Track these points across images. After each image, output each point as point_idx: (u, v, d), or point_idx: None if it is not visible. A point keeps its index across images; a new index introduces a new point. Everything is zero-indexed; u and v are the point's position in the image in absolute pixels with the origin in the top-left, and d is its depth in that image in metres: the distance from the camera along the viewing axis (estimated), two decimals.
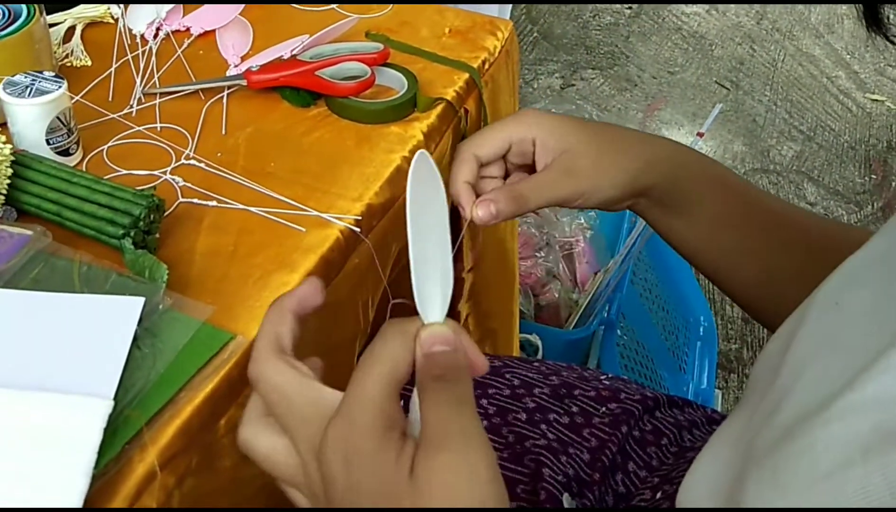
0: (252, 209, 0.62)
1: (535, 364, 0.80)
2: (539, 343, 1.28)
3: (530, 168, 0.62)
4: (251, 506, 0.59)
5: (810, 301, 0.46)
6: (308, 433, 0.38)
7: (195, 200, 0.62)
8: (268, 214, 0.62)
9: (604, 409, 0.76)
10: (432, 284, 0.38)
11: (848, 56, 2.58)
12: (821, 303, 0.45)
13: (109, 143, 0.67)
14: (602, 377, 0.81)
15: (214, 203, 0.62)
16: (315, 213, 0.62)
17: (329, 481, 0.37)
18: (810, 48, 2.61)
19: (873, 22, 0.41)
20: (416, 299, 0.38)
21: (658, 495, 0.67)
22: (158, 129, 0.69)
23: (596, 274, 1.46)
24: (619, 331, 1.41)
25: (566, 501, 0.68)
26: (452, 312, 0.89)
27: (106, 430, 0.43)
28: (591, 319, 1.38)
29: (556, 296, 1.44)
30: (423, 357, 0.36)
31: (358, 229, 0.62)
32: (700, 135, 1.33)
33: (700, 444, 0.73)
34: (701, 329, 1.55)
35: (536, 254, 1.43)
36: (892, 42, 0.42)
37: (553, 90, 2.23)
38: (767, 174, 2.13)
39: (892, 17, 0.41)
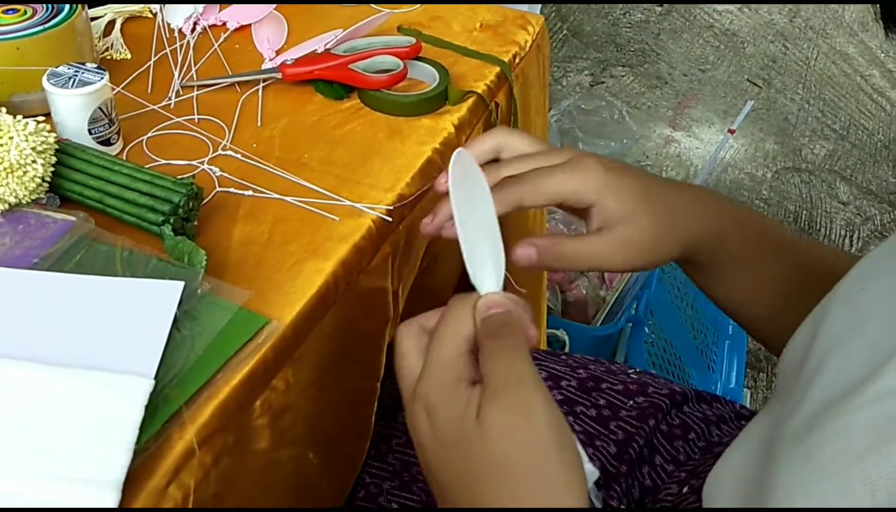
0: (287, 199, 0.63)
1: (563, 357, 0.81)
2: (566, 338, 1.28)
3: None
4: (284, 489, 0.60)
5: (833, 293, 0.46)
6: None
7: (232, 190, 0.63)
8: (302, 204, 0.63)
9: (631, 402, 0.76)
10: (483, 260, 0.44)
11: (882, 54, 2.54)
12: (844, 293, 0.45)
13: (149, 134, 0.69)
14: (630, 371, 0.81)
15: (251, 193, 0.63)
16: (348, 202, 0.63)
17: (417, 433, 0.43)
18: (844, 46, 2.57)
19: (892, 21, 0.41)
20: (471, 274, 0.44)
21: (685, 490, 0.67)
22: (196, 120, 0.71)
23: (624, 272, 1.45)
24: (646, 328, 1.41)
25: (592, 493, 0.68)
26: None
27: (147, 407, 0.44)
28: (619, 315, 1.38)
29: (584, 293, 1.44)
30: (480, 322, 0.43)
31: (389, 219, 0.63)
32: (731, 131, 1.32)
33: (728, 439, 0.73)
34: (730, 328, 1.54)
35: None
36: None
37: (582, 87, 2.23)
38: (799, 173, 2.10)
39: None
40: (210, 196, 0.63)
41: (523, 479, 0.39)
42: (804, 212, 1.99)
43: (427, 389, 0.42)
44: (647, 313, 1.41)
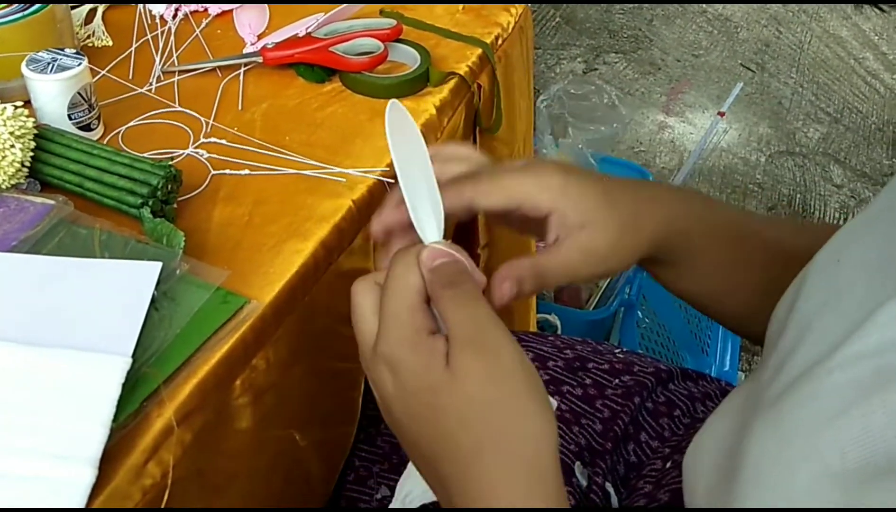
0: (287, 171, 0.64)
1: (550, 338, 0.81)
2: (558, 323, 1.28)
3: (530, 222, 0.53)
4: (270, 469, 0.60)
5: (811, 263, 0.46)
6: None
7: (228, 171, 0.64)
8: (306, 172, 0.64)
9: (617, 381, 0.76)
10: (424, 209, 0.44)
11: (876, 37, 2.53)
12: (822, 262, 0.46)
13: (130, 124, 0.69)
14: (616, 351, 0.81)
15: (247, 172, 0.63)
16: (349, 170, 0.64)
17: (382, 393, 0.42)
18: (837, 29, 2.57)
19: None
20: (414, 223, 0.43)
21: (668, 465, 0.67)
22: (177, 105, 0.71)
23: None
24: (639, 312, 1.41)
25: (578, 469, 0.68)
26: None
27: (125, 386, 0.45)
28: (612, 300, 1.38)
29: None
30: (429, 272, 0.42)
31: (391, 180, 0.64)
32: (721, 114, 1.32)
33: None
34: None
35: None
36: (881, 10, 0.42)
37: (576, 74, 2.23)
38: (793, 156, 2.10)
39: None
40: (207, 181, 0.63)
41: (500, 420, 0.39)
42: (798, 195, 1.99)
43: (387, 345, 0.41)
44: (640, 297, 1.41)
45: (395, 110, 0.45)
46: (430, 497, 0.52)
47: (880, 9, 2.47)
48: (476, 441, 0.39)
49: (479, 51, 0.78)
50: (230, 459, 0.54)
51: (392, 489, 0.73)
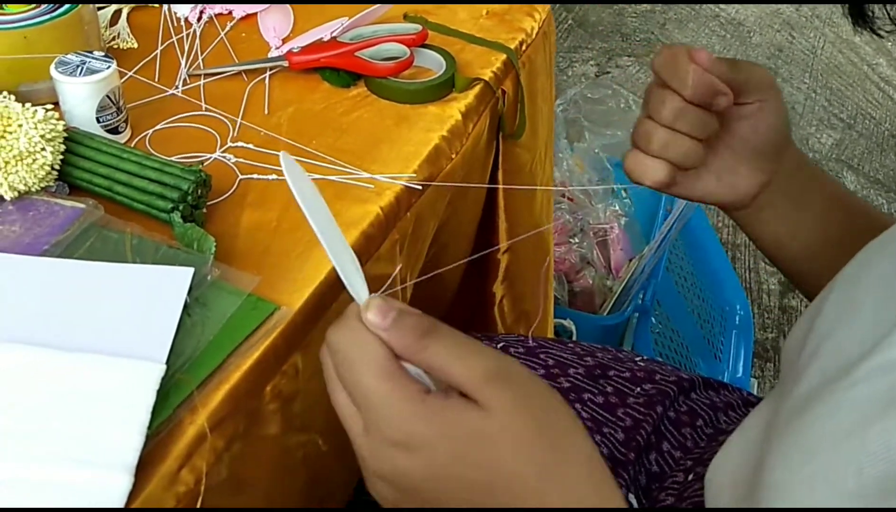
0: (314, 176, 0.63)
1: (570, 345, 0.81)
2: (573, 328, 1.28)
3: None
4: (295, 475, 0.60)
5: (834, 280, 0.46)
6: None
7: (255, 176, 0.64)
8: (334, 178, 0.63)
9: (639, 389, 0.76)
10: (349, 268, 0.40)
11: (889, 43, 2.52)
12: (844, 278, 0.46)
13: (158, 126, 0.69)
14: (637, 359, 0.81)
15: (275, 177, 0.63)
16: (376, 176, 0.64)
17: (405, 481, 0.38)
18: (851, 35, 2.56)
19: (859, 17, 0.42)
20: (347, 286, 0.40)
21: (690, 477, 0.67)
22: (203, 109, 0.71)
23: (630, 261, 1.45)
24: (653, 318, 1.41)
25: None
26: (487, 293, 0.90)
27: (158, 392, 0.45)
28: (626, 305, 1.38)
29: (591, 282, 1.43)
30: (391, 332, 0.38)
31: (419, 186, 0.64)
32: None
33: (735, 426, 0.73)
34: (737, 317, 1.53)
35: (570, 240, 1.43)
36: (879, 35, 0.43)
37: (588, 78, 2.22)
38: None
39: (877, 11, 0.42)
40: (234, 185, 0.63)
41: (555, 440, 0.37)
42: None
43: (394, 428, 0.36)
44: (654, 303, 1.41)
45: (290, 165, 0.41)
46: None
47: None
48: (541, 468, 0.37)
49: (504, 56, 0.78)
50: (258, 465, 0.54)
51: None
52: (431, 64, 0.76)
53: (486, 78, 0.76)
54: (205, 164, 0.65)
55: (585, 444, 0.39)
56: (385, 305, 0.39)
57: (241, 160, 0.65)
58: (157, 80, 0.74)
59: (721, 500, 0.50)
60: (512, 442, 0.37)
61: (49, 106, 0.58)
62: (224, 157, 0.66)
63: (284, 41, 0.80)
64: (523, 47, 0.81)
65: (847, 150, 2.14)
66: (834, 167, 2.09)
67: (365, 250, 0.61)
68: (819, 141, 2.17)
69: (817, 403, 0.39)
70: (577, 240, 1.42)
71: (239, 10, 0.83)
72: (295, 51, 0.75)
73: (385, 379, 0.37)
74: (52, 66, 0.63)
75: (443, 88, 0.74)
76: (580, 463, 0.38)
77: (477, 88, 0.75)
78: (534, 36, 0.83)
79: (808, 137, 2.17)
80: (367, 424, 0.38)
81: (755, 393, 1.55)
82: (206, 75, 0.74)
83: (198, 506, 0.46)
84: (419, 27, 0.77)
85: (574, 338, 1.34)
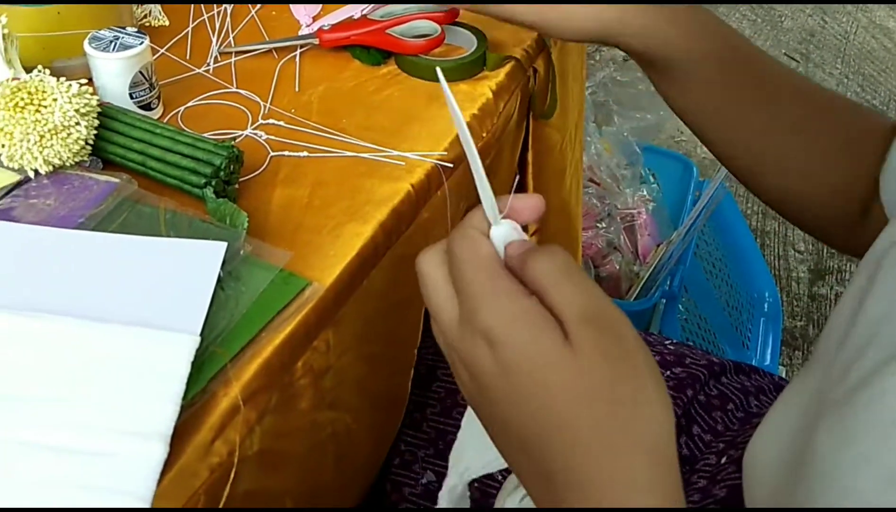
0: (346, 153, 0.63)
1: None
2: None
3: None
4: (324, 451, 0.60)
5: (883, 254, 0.45)
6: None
7: (287, 153, 0.63)
8: (365, 155, 0.63)
9: (668, 373, 0.75)
10: (488, 189, 0.40)
11: None
12: (893, 260, 0.44)
13: (190, 103, 0.69)
14: (667, 342, 0.81)
15: (306, 154, 0.63)
16: (398, 153, 0.63)
17: (475, 370, 0.38)
18: (884, 20, 2.51)
19: None
20: (485, 201, 0.40)
21: (723, 460, 0.66)
22: (234, 86, 0.71)
23: (658, 246, 1.44)
24: (680, 305, 1.39)
25: None
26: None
27: (193, 364, 0.45)
28: (653, 291, 1.37)
29: (617, 268, 1.43)
30: (517, 245, 0.39)
31: (449, 165, 0.63)
32: None
33: (767, 410, 0.72)
34: (766, 305, 1.52)
35: (597, 225, 1.42)
36: None
37: (615, 62, 2.20)
38: None
39: None
40: (266, 162, 0.63)
41: (624, 399, 0.36)
42: None
43: (488, 317, 0.36)
44: (682, 289, 1.39)
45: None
46: (492, 467, 0.49)
47: None
48: (596, 421, 0.35)
49: (535, 34, 0.77)
50: (288, 440, 0.54)
51: (438, 474, 0.73)
52: (463, 42, 0.76)
53: (518, 56, 0.75)
54: (236, 141, 0.65)
55: (656, 422, 0.36)
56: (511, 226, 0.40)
57: (272, 137, 0.65)
58: (188, 57, 0.74)
59: (763, 482, 0.49)
60: (577, 385, 0.35)
61: (83, 81, 0.58)
62: (255, 134, 0.66)
63: (315, 19, 0.79)
64: None
65: None
66: None
67: (395, 229, 0.61)
68: None
69: (867, 387, 0.38)
70: (604, 224, 1.41)
71: None
72: (325, 28, 0.74)
73: (489, 274, 0.38)
74: (86, 42, 0.63)
75: (474, 66, 0.73)
76: (642, 438, 0.36)
77: (508, 67, 0.74)
78: None
79: None
80: (463, 311, 0.38)
81: None
82: (237, 53, 0.74)
83: (230, 477, 0.46)
84: (449, 5, 0.76)
85: None
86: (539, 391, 0.36)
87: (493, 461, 0.46)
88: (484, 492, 0.67)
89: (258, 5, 0.81)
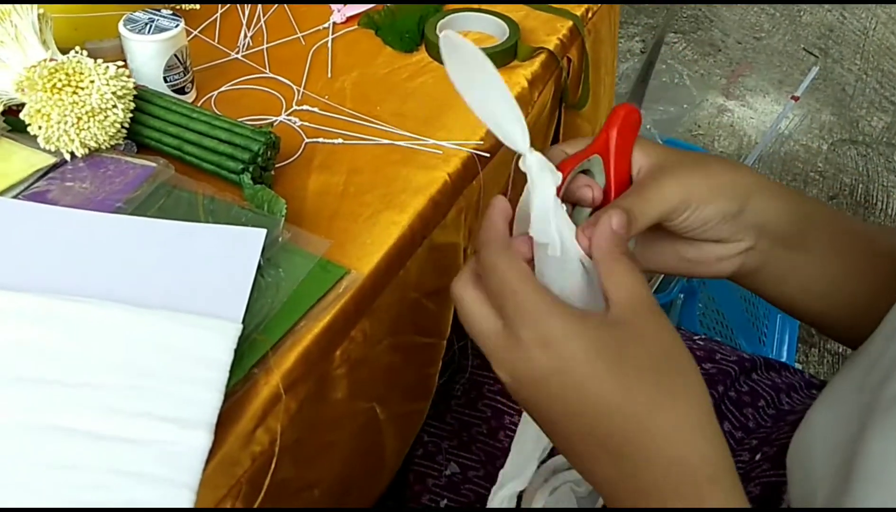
0: (383, 141, 0.63)
1: None
2: None
3: None
4: (354, 441, 0.60)
5: None
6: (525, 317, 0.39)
7: (321, 140, 0.63)
8: (401, 143, 0.63)
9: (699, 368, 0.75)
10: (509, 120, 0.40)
11: None
12: None
13: (223, 88, 0.68)
14: (696, 337, 0.80)
15: (341, 141, 0.62)
16: (434, 141, 0.63)
17: (532, 375, 0.39)
18: None
19: None
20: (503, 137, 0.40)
21: (757, 457, 0.66)
22: (268, 71, 0.70)
23: None
24: (698, 300, 1.38)
25: None
26: None
27: (235, 351, 0.44)
28: (672, 285, 1.36)
29: None
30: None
31: (487, 154, 0.63)
32: (795, 98, 1.28)
33: (800, 407, 0.71)
34: None
35: None
36: None
37: (633, 54, 2.18)
38: (856, 145, 2.04)
39: None
40: (301, 148, 0.62)
41: (684, 366, 0.39)
42: (860, 185, 1.94)
43: (534, 324, 0.38)
44: (701, 283, 1.38)
45: (448, 40, 0.40)
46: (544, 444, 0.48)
47: None
48: (667, 388, 0.38)
49: (570, 23, 0.76)
50: (324, 430, 0.54)
51: (461, 465, 0.72)
52: (494, 31, 0.75)
53: (552, 45, 0.74)
54: (272, 126, 0.64)
55: (703, 388, 0.39)
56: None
57: (306, 124, 0.65)
58: (218, 41, 0.73)
59: (812, 483, 0.49)
60: (642, 358, 0.38)
61: (120, 63, 0.58)
62: (289, 120, 0.65)
63: (346, 4, 0.79)
64: (589, 15, 0.79)
65: None
66: (885, 151, 2.03)
67: (432, 218, 0.60)
68: (869, 124, 2.11)
69: None
70: None
71: None
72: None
73: (528, 282, 0.39)
74: (121, 24, 0.62)
75: (505, 56, 0.72)
76: (702, 404, 0.38)
77: (543, 56, 0.73)
78: (600, 4, 0.81)
79: (859, 120, 2.12)
80: (506, 321, 0.39)
81: None
82: (269, 38, 0.74)
83: (272, 466, 0.46)
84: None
85: None
86: (600, 372, 0.38)
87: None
88: None
89: None
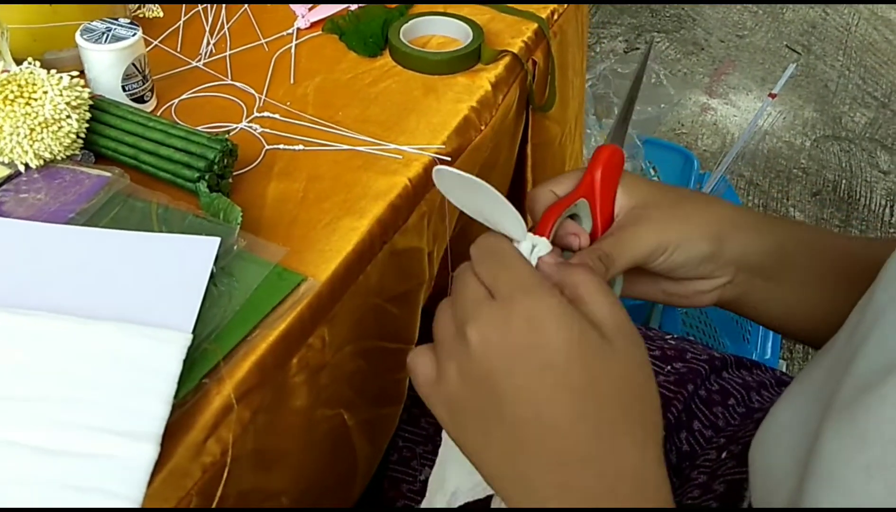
0: (342, 147, 0.62)
1: None
2: None
3: None
4: (321, 448, 0.60)
5: (894, 255, 0.44)
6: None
7: (282, 146, 0.63)
8: (361, 149, 0.62)
9: (669, 368, 0.75)
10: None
11: None
12: None
13: (184, 96, 0.68)
14: (667, 337, 0.80)
15: (301, 147, 0.62)
16: (395, 146, 0.63)
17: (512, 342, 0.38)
18: (886, 11, 2.49)
19: None
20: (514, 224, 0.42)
21: (723, 455, 0.66)
22: (229, 78, 0.70)
23: None
24: None
25: None
26: None
27: (185, 362, 0.44)
28: None
29: None
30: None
31: (448, 158, 0.63)
32: (772, 96, 1.28)
33: (769, 405, 0.71)
34: None
35: None
36: None
37: (616, 53, 2.19)
38: (839, 141, 2.05)
39: None
40: (261, 155, 0.62)
41: (647, 393, 0.40)
42: (844, 181, 1.94)
43: (536, 305, 0.38)
44: None
45: (444, 178, 0.43)
46: (479, 493, 0.49)
47: None
48: (640, 396, 0.39)
49: (535, 26, 0.76)
50: (283, 438, 0.54)
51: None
52: (458, 34, 0.75)
53: (516, 48, 0.74)
54: (231, 134, 0.64)
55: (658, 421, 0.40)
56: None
57: (267, 130, 0.64)
58: (180, 50, 0.73)
59: (768, 480, 0.49)
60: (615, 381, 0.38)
61: (74, 74, 0.57)
62: (250, 127, 0.65)
63: (311, 10, 0.78)
64: (555, 17, 0.79)
65: (881, 129, 2.09)
66: (868, 146, 2.04)
67: (391, 223, 0.60)
68: (852, 120, 2.12)
69: (875, 387, 0.37)
70: None
71: None
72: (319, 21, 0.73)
73: (526, 263, 0.40)
74: (78, 33, 0.62)
75: (468, 59, 0.72)
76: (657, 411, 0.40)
77: (507, 59, 0.73)
78: (566, 6, 0.81)
79: (842, 116, 2.12)
80: (497, 293, 0.39)
81: None
82: (231, 45, 0.73)
83: (223, 476, 0.45)
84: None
85: None
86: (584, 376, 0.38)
87: (478, 485, 0.46)
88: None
89: None
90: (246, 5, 0.79)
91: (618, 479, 0.38)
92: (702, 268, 0.51)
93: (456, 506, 0.48)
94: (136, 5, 0.78)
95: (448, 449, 0.48)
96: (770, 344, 1.50)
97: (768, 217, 0.56)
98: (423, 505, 0.50)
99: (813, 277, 0.56)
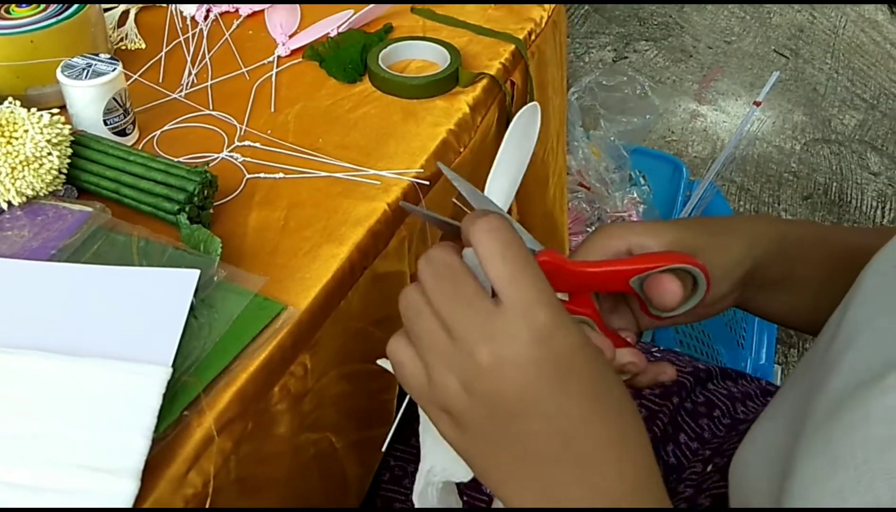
0: (321, 174, 0.63)
1: None
2: None
3: None
4: (309, 472, 0.60)
5: (867, 267, 0.45)
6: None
7: (262, 175, 0.63)
8: (340, 175, 0.63)
9: None
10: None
11: None
12: (877, 267, 0.44)
13: (165, 128, 0.69)
14: (653, 350, 0.80)
15: (282, 175, 0.63)
16: (373, 172, 0.64)
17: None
18: (873, 13, 2.51)
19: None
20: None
21: (709, 468, 0.66)
22: (211, 109, 0.71)
23: None
24: None
25: None
26: None
27: (165, 395, 0.45)
28: None
29: None
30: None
31: (427, 182, 0.64)
32: (757, 103, 1.29)
33: (754, 416, 0.72)
34: None
35: (587, 229, 1.42)
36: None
37: (605, 63, 2.20)
38: (829, 144, 2.06)
39: None
40: (242, 184, 0.63)
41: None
42: (834, 184, 1.95)
43: (479, 329, 0.38)
44: None
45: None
46: (456, 477, 0.49)
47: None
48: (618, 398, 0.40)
49: (512, 47, 0.77)
50: (268, 465, 0.54)
51: None
52: (436, 57, 0.76)
53: (495, 70, 0.75)
54: (212, 164, 0.65)
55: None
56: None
57: (248, 159, 0.65)
58: (162, 80, 0.74)
59: (749, 497, 0.49)
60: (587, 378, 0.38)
61: (56, 110, 0.58)
62: (231, 156, 0.65)
63: (291, 37, 0.79)
64: (532, 37, 0.80)
65: (871, 131, 2.10)
66: (857, 149, 2.05)
67: (371, 249, 0.61)
68: (842, 122, 2.13)
69: (848, 408, 0.37)
70: (594, 229, 1.41)
71: (245, 9, 0.83)
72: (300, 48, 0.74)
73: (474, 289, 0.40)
74: (59, 70, 0.63)
75: (446, 83, 0.73)
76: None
77: (484, 81, 0.74)
78: (543, 25, 0.82)
79: (831, 119, 2.13)
80: (452, 332, 0.40)
81: (779, 380, 1.53)
82: (213, 74, 0.74)
83: (206, 506, 0.46)
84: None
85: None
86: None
87: (457, 471, 0.46)
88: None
89: (233, 27, 0.81)
90: (227, 35, 0.80)
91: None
92: (715, 306, 0.54)
93: (434, 481, 0.49)
94: (119, 37, 0.79)
95: (424, 423, 0.49)
96: (764, 350, 1.50)
97: (779, 226, 0.58)
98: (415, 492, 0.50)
99: (819, 278, 0.57)
